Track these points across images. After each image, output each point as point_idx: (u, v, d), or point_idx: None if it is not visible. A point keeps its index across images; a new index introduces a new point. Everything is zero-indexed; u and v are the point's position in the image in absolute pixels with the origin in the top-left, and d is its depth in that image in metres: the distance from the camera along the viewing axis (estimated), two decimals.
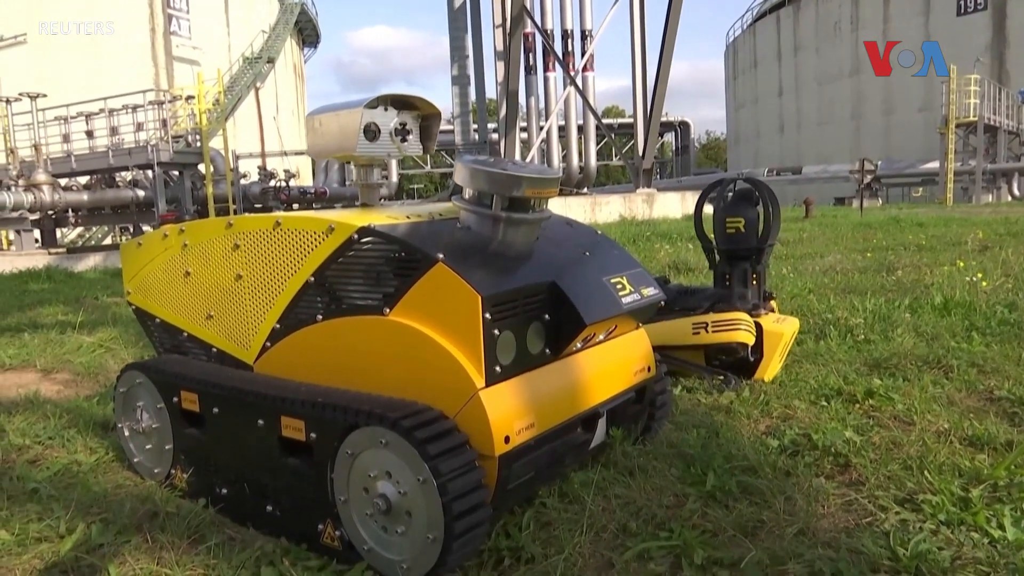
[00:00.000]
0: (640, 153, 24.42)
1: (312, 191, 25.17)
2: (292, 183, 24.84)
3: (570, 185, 27.69)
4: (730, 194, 4.15)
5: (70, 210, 20.84)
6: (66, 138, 21.12)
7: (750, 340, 3.85)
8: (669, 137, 70.35)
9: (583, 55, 26.67)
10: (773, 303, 4.26)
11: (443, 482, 1.90)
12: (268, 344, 2.54)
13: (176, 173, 20.97)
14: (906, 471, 2.61)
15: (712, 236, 4.21)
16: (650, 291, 2.64)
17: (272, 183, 23.73)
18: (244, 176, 23.83)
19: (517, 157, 24.49)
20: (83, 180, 21.44)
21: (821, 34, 48.91)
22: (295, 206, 23.98)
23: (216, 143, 22.36)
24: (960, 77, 32.56)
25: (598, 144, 31.21)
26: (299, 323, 2.43)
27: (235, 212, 20.84)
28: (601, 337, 2.55)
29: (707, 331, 3.89)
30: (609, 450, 2.72)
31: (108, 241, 27.62)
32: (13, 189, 19.03)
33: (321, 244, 2.34)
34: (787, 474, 2.63)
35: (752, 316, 3.93)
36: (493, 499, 2.07)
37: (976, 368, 3.88)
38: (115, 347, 5.53)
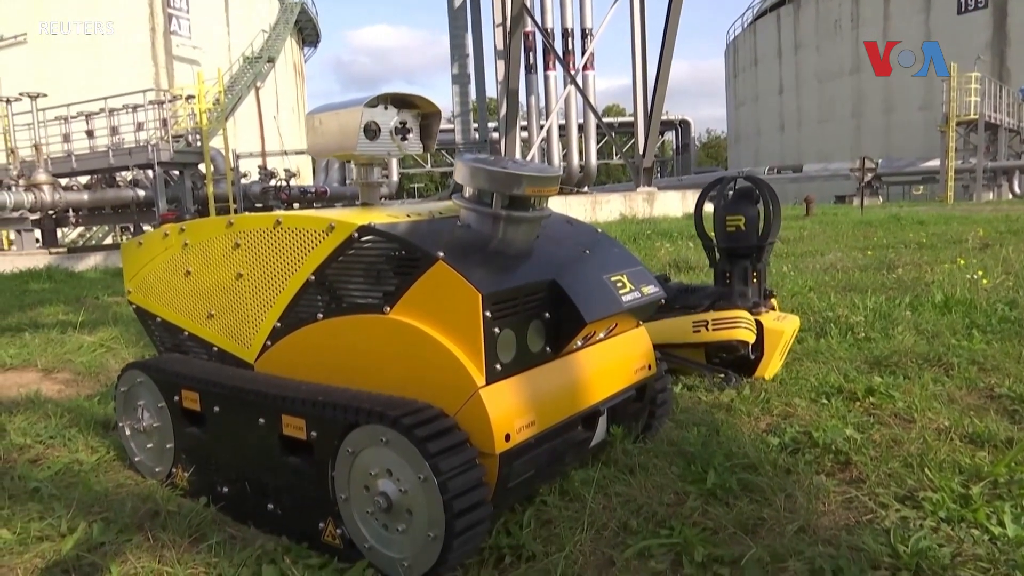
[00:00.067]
0: (640, 152, 24.43)
1: (312, 190, 25.17)
2: (292, 182, 24.83)
3: (571, 184, 27.69)
4: (730, 192, 4.15)
5: (71, 210, 20.85)
6: (66, 138, 21.13)
7: (751, 338, 3.85)
8: (670, 136, 70.38)
9: (583, 54, 26.66)
10: (774, 301, 4.26)
11: (444, 480, 1.91)
12: (269, 343, 2.54)
13: (176, 173, 20.98)
14: (906, 468, 2.61)
15: (712, 234, 4.21)
16: (650, 289, 2.64)
17: (272, 182, 23.73)
18: (244, 175, 23.83)
19: (517, 156, 24.50)
20: (83, 180, 21.46)
21: (821, 32, 48.88)
22: (296, 205, 23.98)
23: (216, 142, 22.37)
24: (961, 75, 32.53)
25: (598, 143, 31.18)
26: (300, 322, 2.44)
27: (235, 211, 20.84)
28: (601, 335, 2.55)
29: (708, 329, 3.89)
30: (610, 448, 2.72)
31: (109, 241, 27.63)
32: (14, 189, 19.05)
33: (321, 243, 2.35)
34: (788, 472, 2.63)
35: (753, 314, 3.93)
36: (494, 497, 2.08)
37: (976, 366, 3.88)
38: (116, 346, 5.54)
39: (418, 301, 2.15)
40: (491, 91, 29.89)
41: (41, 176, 19.56)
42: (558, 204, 18.65)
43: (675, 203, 23.53)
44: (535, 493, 2.47)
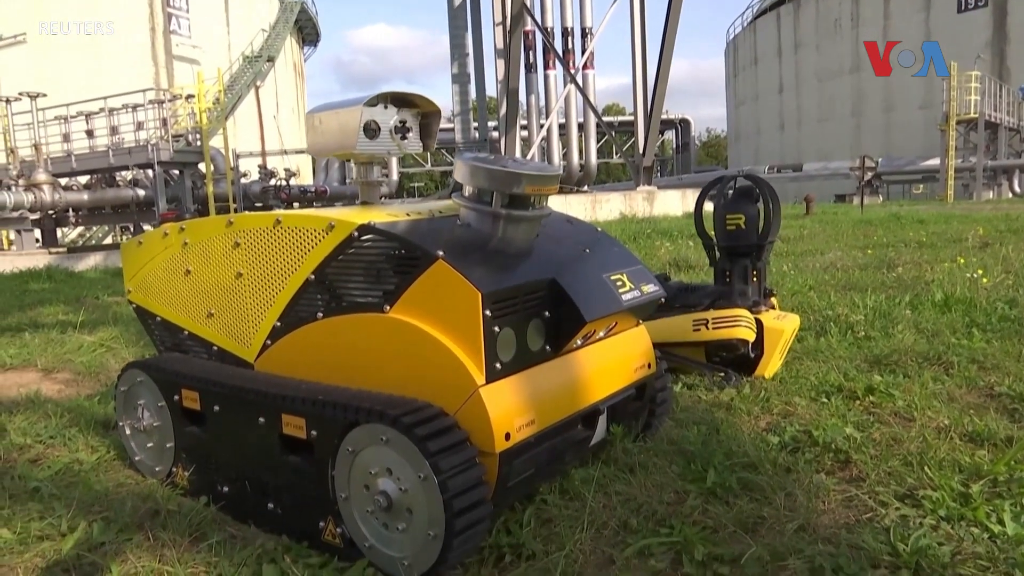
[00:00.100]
0: (640, 151, 24.42)
1: (312, 189, 25.15)
2: (292, 182, 24.82)
3: (571, 183, 27.68)
4: (730, 191, 4.15)
5: (70, 210, 20.84)
6: (66, 138, 21.12)
7: (751, 337, 3.85)
8: (670, 135, 70.38)
9: (583, 53, 26.64)
10: (774, 300, 4.26)
11: (444, 479, 1.91)
12: (269, 342, 2.54)
13: (176, 172, 20.97)
14: (906, 467, 2.61)
15: (712, 233, 4.21)
16: (650, 288, 2.64)
17: (272, 182, 23.72)
18: (244, 175, 23.82)
19: (517, 155, 24.48)
20: (83, 180, 21.45)
21: (821, 31, 48.86)
22: (295, 205, 23.97)
23: (216, 142, 22.36)
24: (961, 74, 32.52)
25: (598, 142, 31.15)
26: (300, 321, 2.44)
27: (235, 211, 20.84)
28: (601, 334, 2.55)
29: (707, 328, 3.89)
30: (609, 447, 2.72)
31: (108, 240, 27.63)
32: (13, 189, 19.04)
33: (321, 242, 2.35)
34: (787, 470, 2.64)
35: (752, 313, 3.93)
36: (494, 496, 2.08)
37: (976, 364, 3.88)
38: (116, 346, 5.54)
39: (418, 300, 2.15)
40: (491, 90, 29.91)
41: (41, 176, 19.55)
42: (558, 203, 18.66)
43: (675, 202, 23.53)
44: (535, 492, 2.47)
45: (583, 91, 26.11)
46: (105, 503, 2.59)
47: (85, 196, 20.64)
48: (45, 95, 21.04)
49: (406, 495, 2.00)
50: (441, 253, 2.11)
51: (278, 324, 2.50)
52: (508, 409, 2.11)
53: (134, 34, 34.06)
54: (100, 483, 2.82)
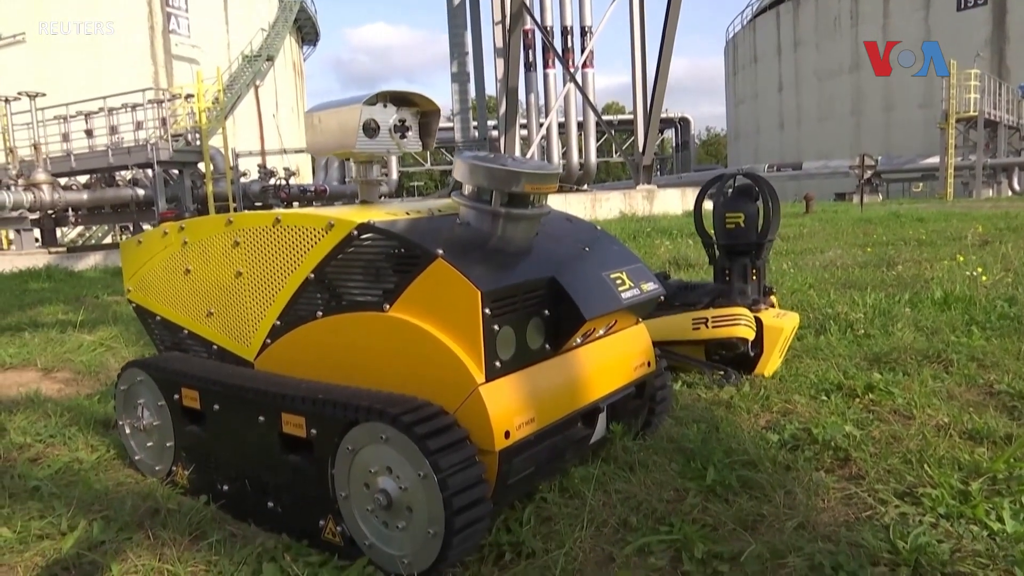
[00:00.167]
0: (640, 149, 24.42)
1: (312, 189, 25.15)
2: (292, 181, 24.82)
3: (570, 182, 27.68)
4: (730, 189, 4.15)
5: (70, 209, 20.83)
6: (65, 137, 21.10)
7: (750, 335, 3.85)
8: (669, 133, 70.37)
9: (583, 52, 26.63)
10: (773, 298, 4.26)
11: (444, 477, 1.91)
12: (268, 341, 2.54)
13: (176, 172, 20.96)
14: (906, 465, 2.61)
15: (712, 232, 4.21)
16: (649, 286, 2.64)
17: (272, 181, 23.71)
18: (244, 174, 23.80)
19: (517, 154, 24.49)
20: (83, 179, 21.43)
21: (821, 30, 48.84)
22: (295, 204, 23.96)
23: (216, 141, 22.35)
24: (960, 72, 32.51)
25: (598, 141, 31.14)
26: (299, 320, 2.44)
27: (235, 210, 20.80)
28: (601, 332, 2.56)
29: (707, 326, 3.89)
30: (609, 445, 2.73)
31: (108, 240, 27.62)
32: (13, 188, 19.02)
33: (321, 241, 2.35)
34: (787, 468, 2.64)
35: (752, 311, 3.93)
36: (493, 494, 2.08)
37: (976, 362, 3.89)
38: (116, 345, 5.54)
39: (417, 299, 2.15)
40: (490, 89, 29.92)
41: (40, 175, 19.54)
42: (558, 202, 18.65)
43: (675, 201, 23.52)
44: (535, 490, 2.47)
45: (582, 90, 26.10)
46: (105, 502, 2.59)
47: (84, 196, 20.62)
48: (44, 94, 21.02)
49: (406, 493, 2.00)
50: (440, 252, 2.11)
51: (278, 323, 2.50)
52: (508, 407, 2.11)
53: (133, 34, 34.03)
54: (100, 482, 2.82)
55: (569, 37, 26.63)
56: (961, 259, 7.67)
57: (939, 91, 34.26)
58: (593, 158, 28.72)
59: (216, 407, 2.50)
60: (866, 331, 4.69)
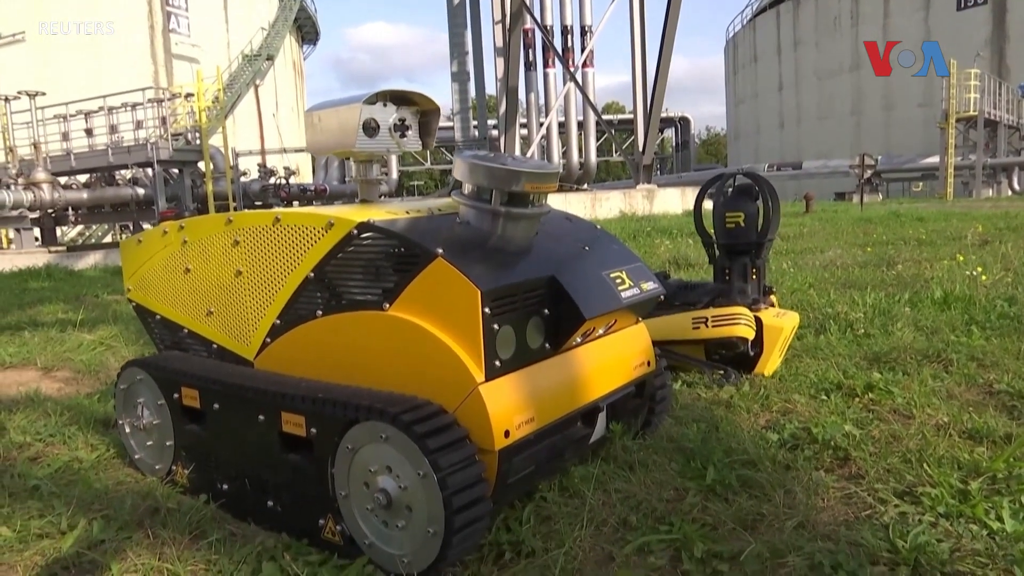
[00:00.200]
0: (640, 149, 24.42)
1: (312, 188, 25.13)
2: (292, 180, 24.81)
3: (570, 181, 27.67)
4: (730, 189, 4.15)
5: (70, 208, 20.81)
6: (65, 136, 21.08)
7: (750, 335, 3.85)
8: (669, 133, 70.35)
9: (583, 51, 26.62)
10: (773, 298, 4.26)
11: (443, 476, 1.91)
12: (268, 340, 2.54)
13: (176, 171, 20.94)
14: (905, 464, 2.61)
15: (712, 231, 4.21)
16: (649, 285, 2.64)
17: (272, 180, 23.71)
18: (244, 174, 23.80)
19: (517, 153, 24.48)
20: (83, 178, 21.42)
21: (821, 29, 48.84)
22: (295, 203, 23.95)
23: (216, 141, 22.34)
24: (960, 71, 32.51)
25: (598, 140, 31.14)
26: (299, 319, 2.44)
27: (235, 209, 20.81)
28: (601, 332, 2.56)
29: (707, 326, 3.89)
30: (609, 444, 2.73)
31: (108, 239, 27.61)
32: (13, 187, 19.01)
33: (321, 240, 2.35)
34: (787, 468, 2.64)
35: (752, 311, 3.93)
36: (493, 493, 2.08)
37: (975, 362, 3.89)
38: (115, 344, 5.54)
39: (417, 298, 2.15)
40: (491, 88, 29.92)
41: (40, 175, 19.52)
42: (558, 201, 18.65)
43: (675, 200, 23.52)
44: (535, 489, 2.47)
45: (582, 89, 26.10)
46: (105, 501, 2.59)
47: (84, 195, 20.61)
48: (44, 93, 21.01)
49: (406, 492, 2.00)
50: (440, 251, 2.11)
51: (278, 322, 2.50)
52: (507, 406, 2.11)
53: (133, 33, 34.01)
54: (100, 481, 2.82)
55: (569, 36, 26.62)
56: (961, 259, 7.67)
57: (939, 90, 34.26)
58: (593, 157, 28.72)
59: (216, 406, 2.50)
60: (866, 331, 4.69)
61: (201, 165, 21.33)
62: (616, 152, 53.86)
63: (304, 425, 2.19)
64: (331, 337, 2.35)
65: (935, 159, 35.46)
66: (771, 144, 52.94)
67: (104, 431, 3.40)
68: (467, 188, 2.33)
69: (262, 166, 24.78)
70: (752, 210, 4.03)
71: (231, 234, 2.62)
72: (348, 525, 2.14)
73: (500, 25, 25.47)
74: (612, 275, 2.51)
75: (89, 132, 20.82)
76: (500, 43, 25.47)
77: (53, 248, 17.75)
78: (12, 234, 20.06)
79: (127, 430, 2.94)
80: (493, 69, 26.16)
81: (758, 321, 3.89)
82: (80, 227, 27.36)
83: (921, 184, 39.61)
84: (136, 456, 2.92)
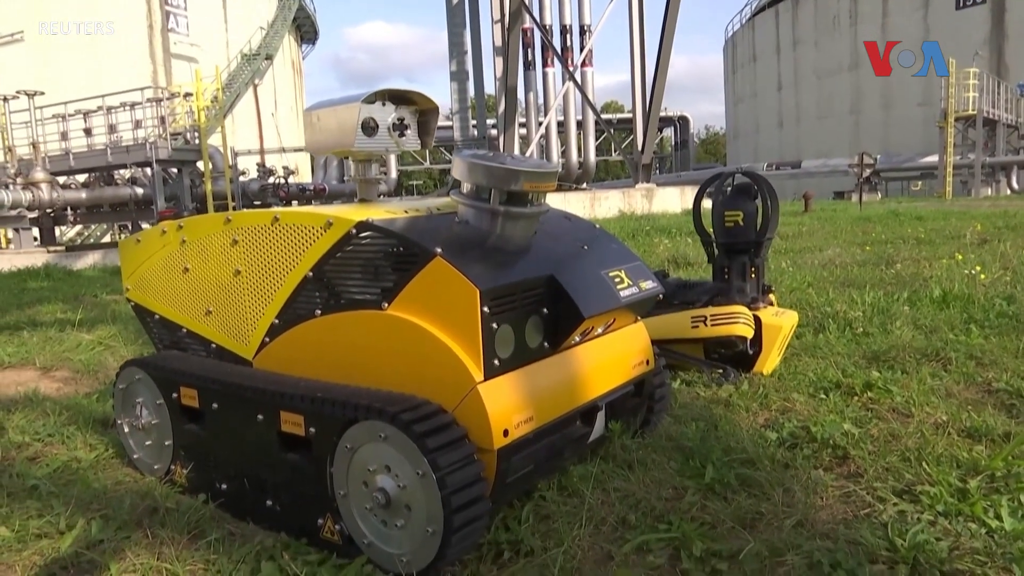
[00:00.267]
0: (639, 148, 24.43)
1: (311, 187, 25.12)
2: (291, 180, 24.79)
3: (569, 180, 27.68)
4: (729, 188, 4.15)
5: (68, 208, 20.79)
6: (64, 136, 21.04)
7: (749, 333, 3.85)
8: (668, 132, 70.34)
9: (582, 50, 26.63)
10: (772, 296, 4.26)
11: (442, 476, 1.91)
12: (267, 339, 2.54)
13: (175, 170, 20.92)
14: (904, 463, 2.61)
15: (711, 230, 4.21)
16: (648, 284, 2.64)
17: (271, 180, 23.69)
18: (243, 173, 23.78)
19: (516, 152, 24.48)
20: (81, 178, 21.39)
21: (820, 28, 48.84)
22: (294, 203, 23.94)
23: (215, 140, 22.32)
24: (959, 71, 32.52)
25: (597, 139, 31.15)
26: (298, 318, 2.44)
27: (234, 209, 20.77)
28: (600, 331, 2.56)
29: (706, 325, 3.89)
30: (608, 443, 2.73)
31: (107, 239, 27.59)
32: (11, 187, 18.97)
33: (319, 239, 2.35)
34: (786, 466, 2.64)
35: (751, 309, 3.93)
36: (492, 492, 2.08)
37: (974, 360, 3.89)
38: (114, 344, 5.54)
39: (416, 297, 2.15)
40: (490, 88, 29.90)
41: (39, 174, 19.49)
42: (557, 200, 18.66)
43: (674, 199, 23.53)
44: (534, 488, 2.47)
45: (582, 88, 26.11)
46: (103, 501, 2.59)
47: (83, 194, 20.58)
48: (43, 93, 20.99)
49: (405, 492, 2.00)
50: (439, 250, 2.11)
51: (276, 321, 2.50)
52: (506, 406, 2.11)
53: (132, 32, 33.95)
54: (98, 481, 2.82)
55: (568, 36, 26.63)
56: (960, 257, 7.68)
57: (938, 89, 34.27)
58: (592, 157, 28.73)
59: (215, 406, 2.50)
60: (865, 329, 4.69)
61: (200, 165, 21.31)
62: (615, 151, 53.87)
63: (303, 424, 2.19)
64: (330, 336, 2.35)
65: (934, 158, 35.49)
66: (770, 143, 52.95)
67: (103, 431, 3.40)
68: (466, 187, 2.33)
69: (261, 165, 24.77)
70: (751, 209, 4.03)
71: (230, 233, 2.62)
72: (347, 524, 2.14)
73: (499, 24, 25.47)
74: (611, 274, 2.51)
75: (88, 132, 20.79)
76: (499, 42, 25.46)
77: (52, 248, 17.75)
78: (11, 234, 20.03)
79: (126, 430, 2.93)
80: (492, 68, 26.19)
81: (757, 320, 3.89)
82: (79, 227, 27.34)
83: (920, 183, 39.62)
84: (135, 456, 2.92)
